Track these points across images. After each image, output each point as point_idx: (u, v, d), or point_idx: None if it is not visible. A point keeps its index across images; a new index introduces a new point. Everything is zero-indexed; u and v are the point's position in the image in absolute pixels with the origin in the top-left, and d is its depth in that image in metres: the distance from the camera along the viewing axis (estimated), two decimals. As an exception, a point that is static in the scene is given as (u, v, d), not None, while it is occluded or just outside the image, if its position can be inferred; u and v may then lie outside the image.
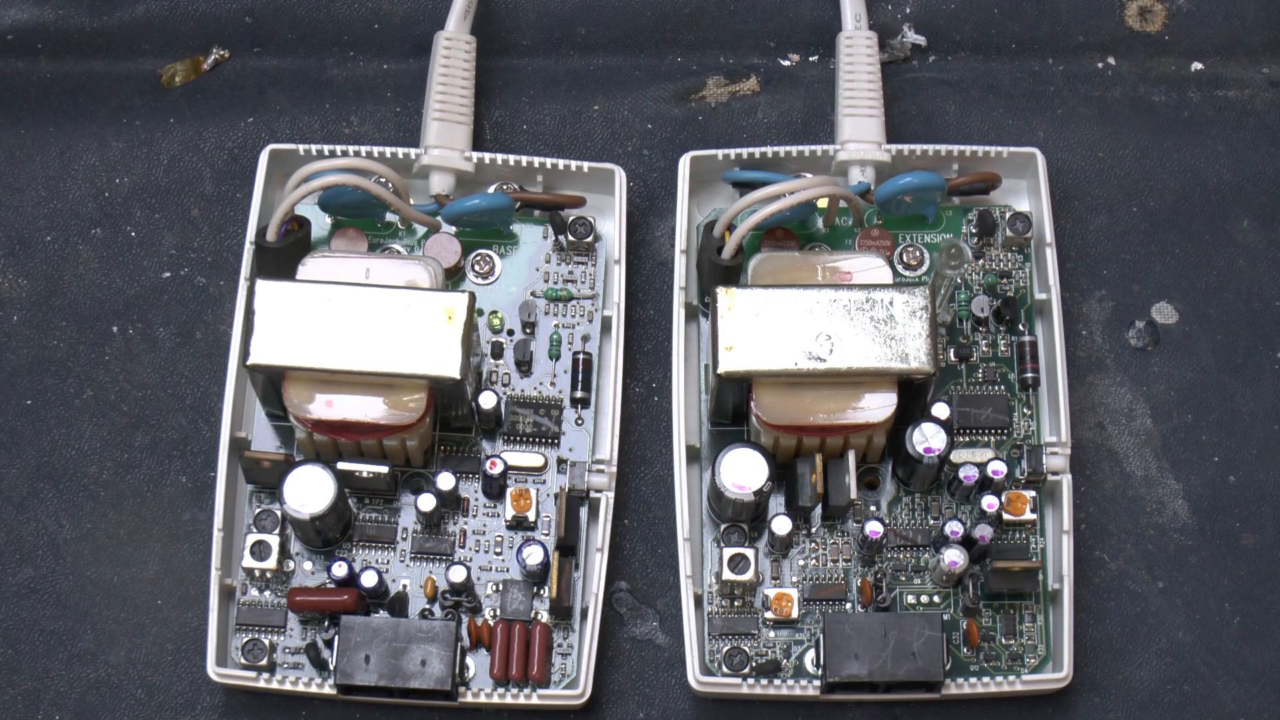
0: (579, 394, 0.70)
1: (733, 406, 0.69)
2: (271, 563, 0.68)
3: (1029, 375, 0.71)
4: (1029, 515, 0.69)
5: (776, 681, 0.67)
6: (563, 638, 0.68)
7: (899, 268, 0.72)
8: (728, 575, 0.68)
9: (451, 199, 0.71)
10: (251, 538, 0.68)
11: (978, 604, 0.68)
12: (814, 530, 0.69)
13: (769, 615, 0.68)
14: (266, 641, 0.67)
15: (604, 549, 0.68)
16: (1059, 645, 0.68)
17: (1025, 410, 0.71)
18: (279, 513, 0.68)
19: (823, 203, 0.71)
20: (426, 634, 0.66)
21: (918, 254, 0.72)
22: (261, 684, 0.66)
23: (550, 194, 0.72)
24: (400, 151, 0.71)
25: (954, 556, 0.67)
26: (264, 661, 0.67)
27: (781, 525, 0.68)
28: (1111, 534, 0.71)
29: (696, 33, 0.76)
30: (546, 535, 0.69)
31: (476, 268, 0.71)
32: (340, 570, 0.67)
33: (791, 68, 0.76)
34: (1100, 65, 0.76)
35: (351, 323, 0.66)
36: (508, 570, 0.69)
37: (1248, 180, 0.74)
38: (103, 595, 0.69)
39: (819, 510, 0.69)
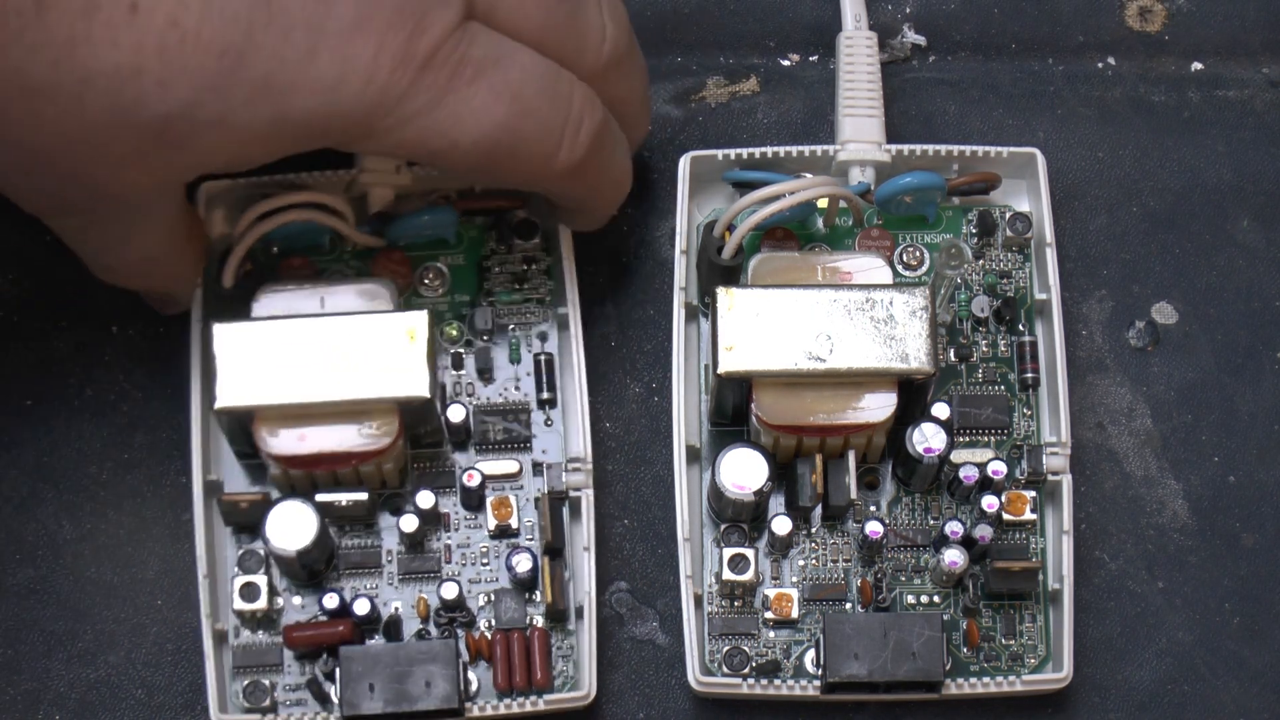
0: (545, 395, 0.70)
1: (733, 406, 0.69)
2: (262, 603, 0.67)
3: (1029, 375, 0.71)
4: (1029, 515, 0.69)
5: (776, 681, 0.67)
6: (561, 640, 0.68)
7: (899, 268, 0.72)
8: (728, 575, 0.68)
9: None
10: (239, 580, 0.67)
11: (978, 604, 0.68)
12: (814, 530, 0.69)
13: (769, 615, 0.68)
14: (266, 682, 0.67)
15: (590, 547, 0.67)
16: (1059, 645, 0.68)
17: (1025, 410, 0.71)
18: (262, 552, 0.67)
19: (823, 203, 0.71)
20: (427, 654, 0.65)
21: (918, 254, 0.72)
22: None
23: (492, 200, 0.71)
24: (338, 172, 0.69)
25: (954, 556, 0.67)
26: (266, 703, 0.67)
27: (781, 525, 0.68)
28: (1111, 534, 0.71)
29: (696, 33, 0.76)
30: (532, 540, 0.69)
31: (426, 281, 0.71)
32: (332, 602, 0.67)
33: (791, 68, 0.76)
34: (1100, 65, 0.76)
35: (315, 354, 0.65)
36: (497, 580, 0.69)
37: (1248, 180, 0.74)
38: (103, 595, 0.69)
39: (819, 510, 0.69)
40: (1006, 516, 0.69)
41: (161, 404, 0.71)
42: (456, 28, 0.60)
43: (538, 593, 0.68)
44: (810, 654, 0.68)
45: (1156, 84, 0.76)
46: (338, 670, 0.65)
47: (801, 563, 0.69)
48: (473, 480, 0.68)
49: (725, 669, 0.68)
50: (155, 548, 0.70)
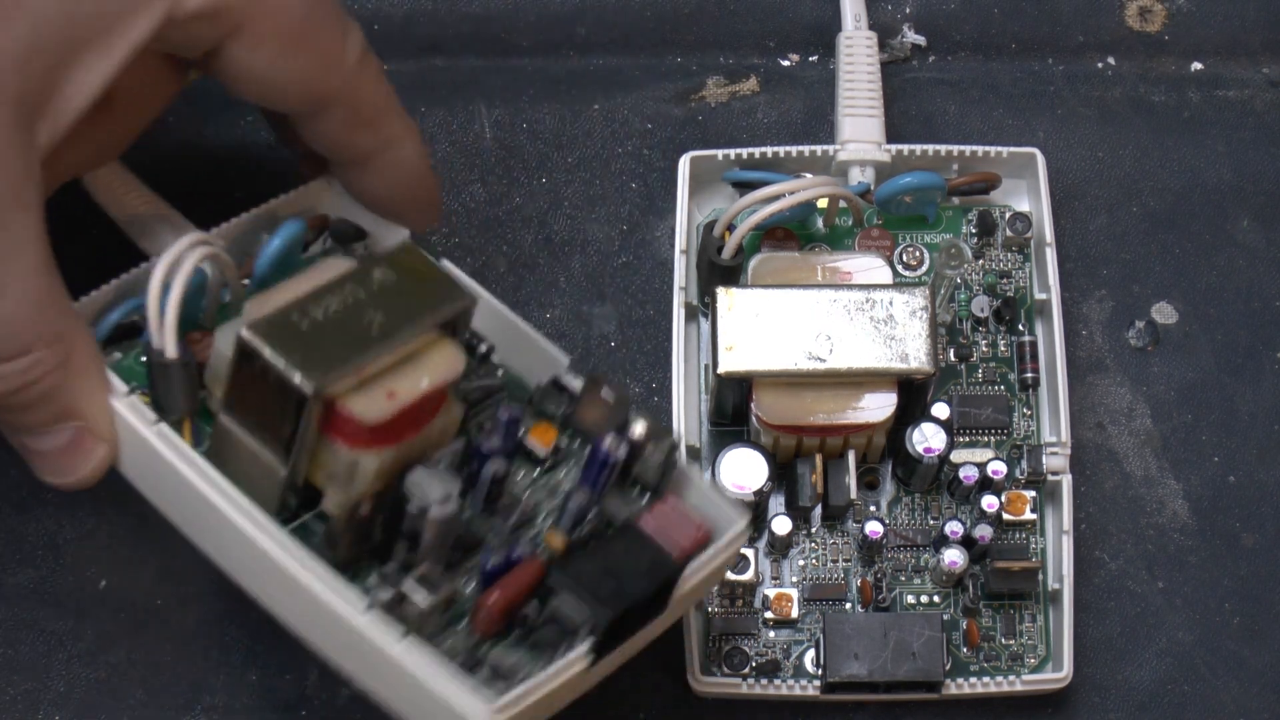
0: (482, 348, 0.65)
1: (733, 406, 0.69)
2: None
3: (1029, 375, 0.71)
4: (1029, 515, 0.69)
5: (776, 681, 0.67)
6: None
7: (899, 268, 0.72)
8: (728, 575, 0.68)
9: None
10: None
11: (978, 604, 0.68)
12: (814, 530, 0.69)
13: (769, 615, 0.68)
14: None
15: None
16: (1059, 645, 0.68)
17: (1025, 410, 0.71)
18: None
19: (823, 203, 0.71)
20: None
21: (918, 254, 0.72)
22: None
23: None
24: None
25: (954, 556, 0.67)
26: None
27: (781, 525, 0.68)
28: (1111, 534, 0.71)
29: (696, 33, 0.76)
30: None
31: None
32: (497, 558, 0.60)
33: (791, 68, 0.76)
34: (1100, 65, 0.76)
35: None
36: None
37: (1248, 180, 0.74)
38: (103, 595, 0.69)
39: (819, 510, 0.69)
40: (1006, 516, 0.69)
41: (161, 404, 0.71)
42: None
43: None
44: (810, 654, 0.68)
45: (1156, 84, 0.76)
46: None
47: (801, 563, 0.69)
48: (508, 414, 0.62)
49: (725, 669, 0.68)
50: (155, 548, 0.70)
